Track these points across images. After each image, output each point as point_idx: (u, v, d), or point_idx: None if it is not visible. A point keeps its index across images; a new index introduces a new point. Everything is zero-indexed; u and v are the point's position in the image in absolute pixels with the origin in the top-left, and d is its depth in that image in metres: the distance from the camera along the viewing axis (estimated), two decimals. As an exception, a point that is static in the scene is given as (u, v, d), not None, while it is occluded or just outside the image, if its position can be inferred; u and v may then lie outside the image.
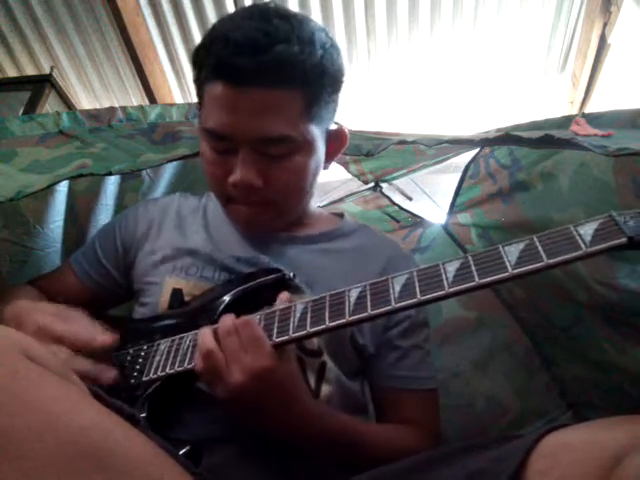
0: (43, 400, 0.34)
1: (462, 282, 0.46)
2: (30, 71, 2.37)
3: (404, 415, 0.69)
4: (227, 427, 0.60)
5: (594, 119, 0.65)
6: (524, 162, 0.94)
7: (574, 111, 2.28)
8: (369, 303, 0.49)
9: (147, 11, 2.12)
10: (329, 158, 0.74)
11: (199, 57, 0.64)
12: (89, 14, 2.14)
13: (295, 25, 0.60)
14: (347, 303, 0.50)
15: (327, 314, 0.51)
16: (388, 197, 1.25)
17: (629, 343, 0.81)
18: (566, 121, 0.67)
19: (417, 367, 0.72)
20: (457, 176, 1.17)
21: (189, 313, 0.66)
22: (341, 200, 1.28)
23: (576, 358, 0.99)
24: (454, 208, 1.22)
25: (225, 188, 0.66)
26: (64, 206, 0.87)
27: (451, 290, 0.46)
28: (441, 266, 0.48)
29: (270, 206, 0.68)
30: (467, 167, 1.14)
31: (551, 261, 0.43)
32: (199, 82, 0.66)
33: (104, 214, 0.94)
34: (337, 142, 0.74)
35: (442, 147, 0.81)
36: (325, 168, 0.75)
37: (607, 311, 0.82)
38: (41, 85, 1.98)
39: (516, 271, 0.44)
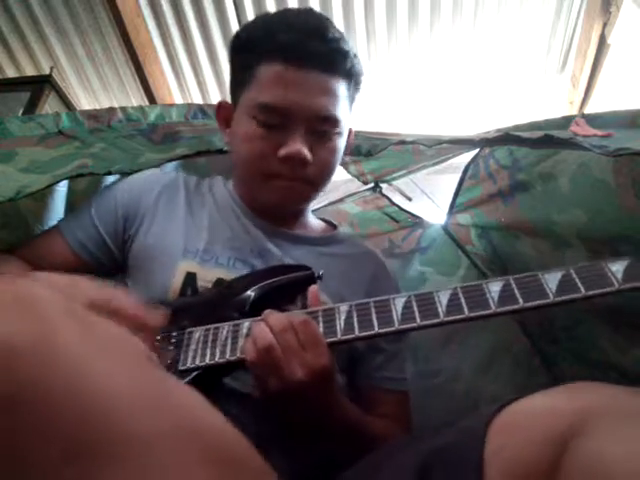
0: (181, 404, 0.33)
1: (507, 304, 0.48)
2: (30, 71, 2.37)
3: (384, 412, 0.72)
4: (248, 425, 0.60)
5: (594, 119, 0.65)
6: (524, 162, 0.94)
7: (574, 111, 2.28)
8: (417, 314, 0.51)
9: (147, 12, 2.12)
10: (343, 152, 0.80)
11: (252, 41, 0.69)
12: (89, 14, 2.14)
13: (339, 30, 0.70)
14: (394, 311, 0.52)
15: (375, 320, 0.52)
16: (388, 198, 1.25)
17: (629, 343, 0.81)
18: (566, 122, 0.67)
19: (400, 370, 0.77)
20: (457, 176, 1.17)
21: (216, 302, 0.65)
22: (341, 200, 1.28)
23: (576, 358, 0.99)
24: (454, 208, 1.22)
25: (269, 164, 0.69)
26: (63, 206, 0.87)
27: (498, 310, 0.48)
28: (484, 285, 0.50)
29: (307, 184, 0.72)
30: (467, 167, 1.14)
31: (589, 293, 0.46)
32: (248, 64, 0.70)
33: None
34: (349, 139, 0.81)
35: (442, 147, 0.81)
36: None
37: (607, 311, 0.82)
38: (41, 86, 1.98)
39: (558, 299, 0.47)
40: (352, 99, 0.75)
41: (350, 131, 0.80)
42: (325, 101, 0.68)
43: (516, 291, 0.48)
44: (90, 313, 0.35)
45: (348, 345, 0.70)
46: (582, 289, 0.46)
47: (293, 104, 0.66)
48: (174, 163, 1.02)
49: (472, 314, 0.48)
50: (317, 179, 0.72)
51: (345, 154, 0.81)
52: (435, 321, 0.50)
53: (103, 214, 0.76)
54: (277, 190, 0.71)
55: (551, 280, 0.48)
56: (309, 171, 0.70)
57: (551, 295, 0.47)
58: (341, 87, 0.70)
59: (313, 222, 0.87)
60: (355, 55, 0.71)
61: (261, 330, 0.53)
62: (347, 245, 0.85)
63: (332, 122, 0.69)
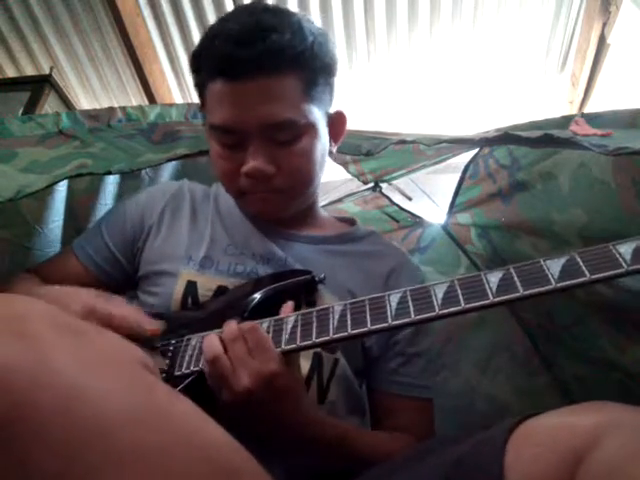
0: (179, 415, 0.33)
1: (506, 293, 0.46)
2: (29, 71, 2.37)
3: (401, 422, 0.69)
4: (245, 430, 0.60)
5: (593, 119, 0.65)
6: (523, 162, 0.94)
7: (573, 111, 2.28)
8: (412, 308, 0.49)
9: (147, 11, 2.12)
10: (333, 141, 0.76)
11: (197, 61, 0.67)
12: (89, 14, 2.14)
13: (283, 16, 0.64)
14: (388, 307, 0.51)
15: (368, 317, 0.51)
16: (388, 197, 1.25)
17: (629, 342, 0.81)
18: (565, 121, 0.67)
19: (419, 375, 0.73)
20: (456, 176, 1.17)
21: (217, 309, 0.66)
22: (340, 200, 1.28)
23: (576, 357, 0.99)
24: (454, 208, 1.22)
25: (237, 181, 0.68)
26: (63, 206, 0.87)
27: (496, 300, 0.46)
28: (483, 276, 0.48)
29: (281, 193, 0.69)
30: (466, 167, 1.14)
31: (594, 276, 0.44)
32: (200, 84, 0.68)
33: (103, 214, 0.94)
34: (338, 124, 0.76)
35: (441, 147, 0.81)
36: (330, 152, 0.77)
37: (607, 310, 0.83)
38: (40, 85, 1.98)
39: (560, 284, 0.45)
40: (319, 86, 0.67)
41: (338, 117, 0.75)
42: (271, 108, 0.63)
43: (516, 279, 0.46)
44: (85, 323, 0.35)
45: (362, 347, 0.70)
46: (587, 273, 0.44)
47: (240, 122, 0.63)
48: (176, 169, 1.02)
49: (468, 305, 0.47)
50: (290, 187, 0.69)
51: (337, 140, 0.77)
52: (430, 315, 0.48)
53: (112, 229, 0.77)
54: (252, 203, 0.71)
55: (553, 266, 0.46)
56: (277, 181, 0.67)
57: (553, 281, 0.45)
58: (290, 84, 0.63)
59: (327, 221, 0.85)
60: (304, 39, 0.63)
61: (209, 341, 0.53)
62: (366, 242, 0.81)
63: (288, 126, 0.64)
